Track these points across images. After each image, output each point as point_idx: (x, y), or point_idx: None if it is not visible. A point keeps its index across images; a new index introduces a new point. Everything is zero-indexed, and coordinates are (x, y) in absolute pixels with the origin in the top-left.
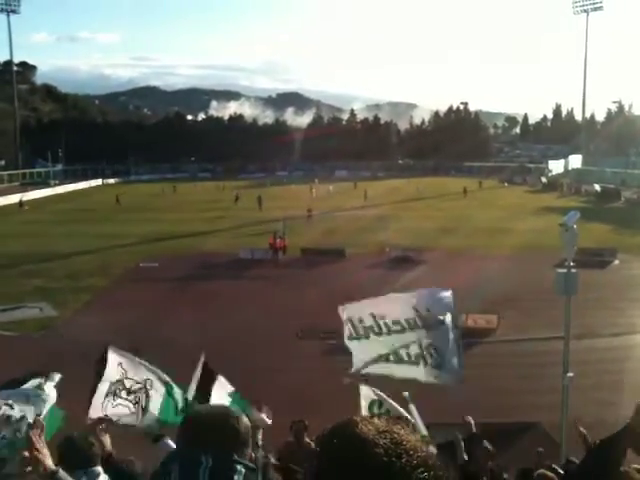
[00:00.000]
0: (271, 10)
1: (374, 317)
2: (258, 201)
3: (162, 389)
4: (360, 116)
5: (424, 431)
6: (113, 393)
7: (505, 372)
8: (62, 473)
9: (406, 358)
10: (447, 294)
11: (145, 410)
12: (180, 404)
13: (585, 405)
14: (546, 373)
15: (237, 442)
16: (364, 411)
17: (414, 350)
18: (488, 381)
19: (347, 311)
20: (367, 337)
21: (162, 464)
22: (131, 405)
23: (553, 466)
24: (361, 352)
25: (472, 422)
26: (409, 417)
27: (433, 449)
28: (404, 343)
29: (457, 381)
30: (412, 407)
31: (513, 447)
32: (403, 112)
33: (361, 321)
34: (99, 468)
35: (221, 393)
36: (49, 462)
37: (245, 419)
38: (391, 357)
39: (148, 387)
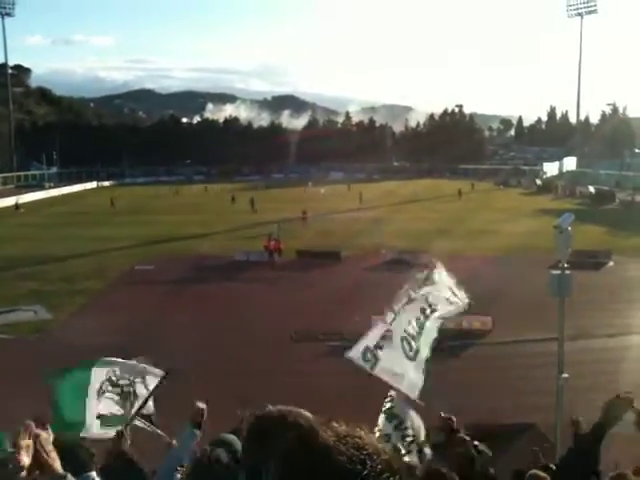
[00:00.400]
0: (266, 13)
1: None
2: (251, 203)
3: (154, 383)
4: (355, 119)
5: (423, 433)
6: (102, 392)
7: (500, 374)
8: (70, 478)
9: (416, 330)
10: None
11: (132, 403)
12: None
13: (580, 406)
14: (541, 374)
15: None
16: (380, 421)
17: (414, 318)
18: (483, 383)
19: (354, 355)
20: (380, 353)
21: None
22: (117, 397)
23: (549, 465)
24: (387, 371)
25: (453, 419)
26: (422, 432)
27: (427, 450)
28: (407, 321)
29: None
30: (411, 410)
31: (509, 449)
32: (399, 115)
33: (368, 348)
34: (94, 473)
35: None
36: (58, 466)
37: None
38: (410, 345)
39: (136, 381)
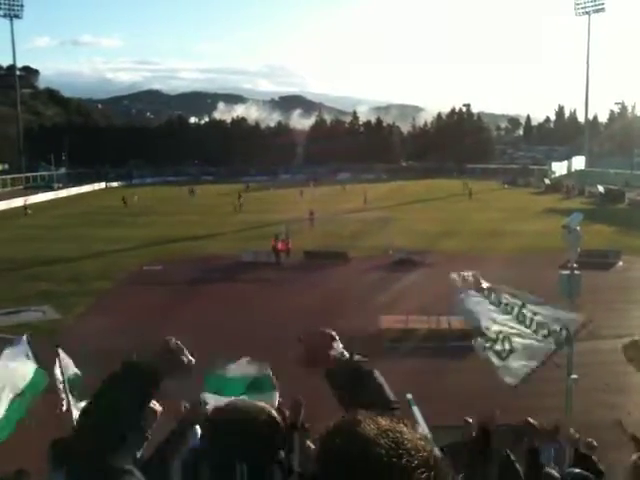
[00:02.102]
0: (273, 14)
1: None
2: (238, 197)
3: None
4: (364, 119)
5: (427, 433)
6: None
7: None
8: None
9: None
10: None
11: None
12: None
13: (589, 407)
14: (549, 375)
15: (272, 445)
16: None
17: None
18: (491, 383)
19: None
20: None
21: (188, 463)
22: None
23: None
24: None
25: (471, 422)
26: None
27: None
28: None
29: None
30: (415, 409)
31: (516, 448)
32: (409, 115)
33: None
34: None
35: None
36: None
37: (279, 417)
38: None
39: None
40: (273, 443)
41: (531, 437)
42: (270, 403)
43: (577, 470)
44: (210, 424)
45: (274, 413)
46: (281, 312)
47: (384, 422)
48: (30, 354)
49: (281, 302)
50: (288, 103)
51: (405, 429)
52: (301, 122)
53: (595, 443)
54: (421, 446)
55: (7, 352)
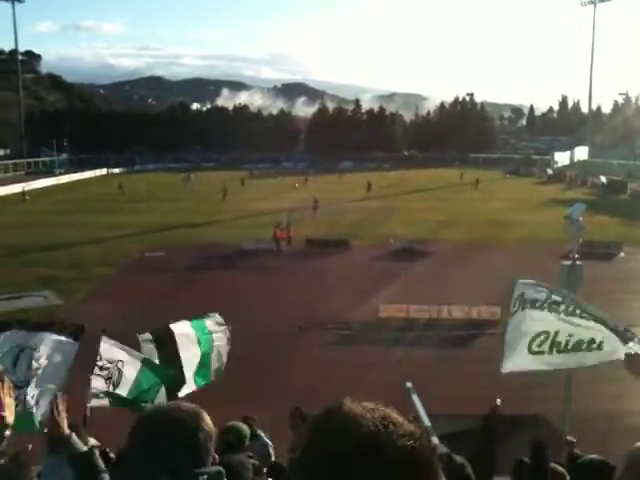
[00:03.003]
0: (275, 0)
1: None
2: (223, 193)
3: (138, 365)
4: (369, 107)
5: (426, 422)
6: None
7: None
8: (75, 438)
9: (566, 347)
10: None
11: (116, 384)
12: (157, 379)
13: (588, 398)
14: None
15: (199, 451)
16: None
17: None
18: (491, 373)
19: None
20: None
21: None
22: (103, 380)
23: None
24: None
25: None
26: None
27: (434, 439)
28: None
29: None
30: (415, 398)
31: (515, 439)
32: (413, 104)
33: (523, 296)
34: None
35: (190, 352)
36: (65, 426)
37: (207, 419)
38: (542, 344)
39: (120, 366)
40: (201, 450)
41: (537, 432)
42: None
43: (593, 456)
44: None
45: (206, 419)
46: (280, 299)
47: (370, 404)
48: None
49: (281, 289)
50: (291, 91)
51: (391, 411)
52: (305, 110)
53: (573, 439)
54: (406, 422)
55: (66, 342)
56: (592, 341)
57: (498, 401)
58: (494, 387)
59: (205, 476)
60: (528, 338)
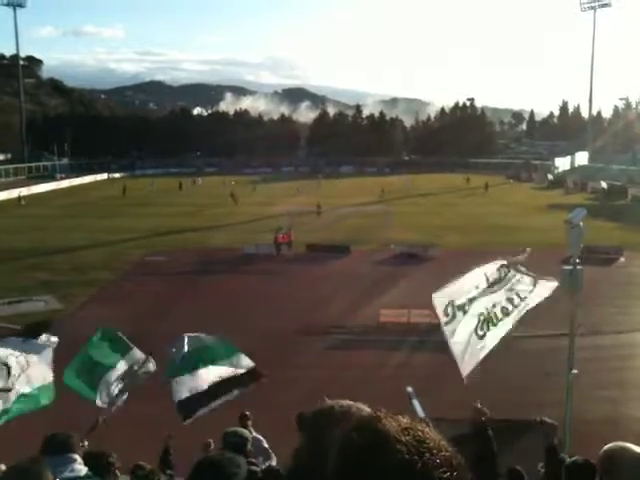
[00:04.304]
0: (275, 6)
1: (467, 292)
2: (232, 197)
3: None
4: (368, 112)
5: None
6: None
7: (509, 369)
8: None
9: (498, 316)
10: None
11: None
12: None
13: (589, 402)
14: (550, 370)
15: None
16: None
17: (501, 304)
18: (491, 377)
19: (438, 299)
20: (460, 315)
21: None
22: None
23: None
24: (456, 335)
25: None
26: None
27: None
28: (492, 303)
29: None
30: (416, 402)
31: (515, 445)
32: (416, 109)
33: (452, 303)
34: (76, 455)
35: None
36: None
37: (245, 467)
38: (484, 326)
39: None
40: None
41: (549, 435)
42: (242, 364)
43: (576, 457)
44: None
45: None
46: (280, 303)
47: (405, 420)
48: (51, 362)
49: (280, 294)
50: (292, 96)
51: (427, 428)
52: (308, 115)
53: (483, 408)
54: (443, 446)
55: (35, 342)
56: (510, 301)
57: (478, 404)
58: (495, 391)
59: None
60: (473, 327)
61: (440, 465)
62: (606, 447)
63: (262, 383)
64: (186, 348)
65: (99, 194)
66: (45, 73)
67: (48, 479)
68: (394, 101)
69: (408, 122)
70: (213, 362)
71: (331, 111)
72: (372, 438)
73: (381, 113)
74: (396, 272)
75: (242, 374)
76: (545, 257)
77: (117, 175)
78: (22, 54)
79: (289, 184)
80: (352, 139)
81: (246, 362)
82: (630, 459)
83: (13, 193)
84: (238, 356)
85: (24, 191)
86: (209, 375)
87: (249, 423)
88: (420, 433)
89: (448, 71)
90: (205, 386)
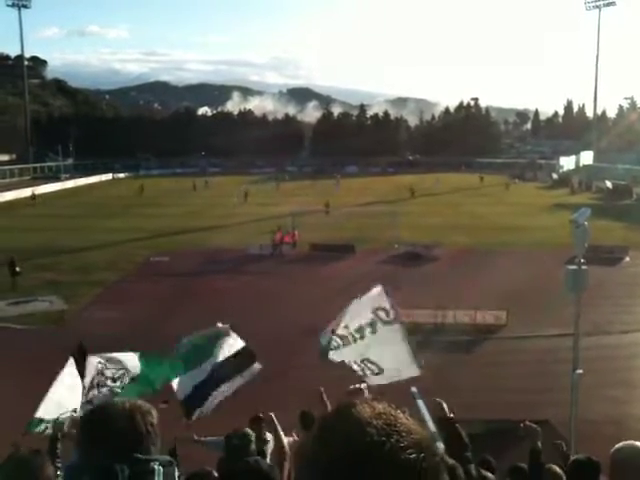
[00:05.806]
0: (280, 6)
1: (346, 327)
2: (244, 195)
3: (137, 367)
4: (373, 112)
5: (432, 427)
6: (97, 385)
7: (514, 369)
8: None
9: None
10: (378, 289)
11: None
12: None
13: (594, 402)
14: (555, 370)
15: (149, 439)
16: None
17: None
18: (496, 378)
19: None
20: (344, 345)
21: (68, 475)
22: (118, 390)
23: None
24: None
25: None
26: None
27: (440, 444)
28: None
29: (414, 372)
30: (420, 403)
31: (520, 445)
32: (421, 110)
33: (334, 332)
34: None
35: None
36: None
37: (152, 410)
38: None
39: (127, 372)
40: (142, 441)
41: (533, 438)
42: (233, 344)
43: (581, 456)
44: (82, 430)
45: (146, 410)
46: (283, 303)
47: (380, 406)
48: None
49: (284, 294)
50: (298, 96)
51: (401, 414)
52: (314, 115)
53: (444, 405)
54: (414, 429)
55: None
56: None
57: (444, 405)
58: (503, 391)
59: (158, 463)
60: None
61: (407, 447)
62: (617, 446)
63: (262, 383)
64: (183, 350)
65: (103, 194)
66: (50, 74)
67: (49, 471)
68: (401, 101)
69: (414, 122)
70: (209, 356)
71: (337, 111)
72: (345, 422)
73: (385, 113)
74: (401, 272)
75: (236, 354)
76: (549, 257)
77: (121, 175)
78: (27, 55)
79: (303, 183)
80: (356, 139)
81: (238, 343)
82: None
83: (19, 194)
84: (226, 339)
85: (35, 190)
86: (207, 365)
87: (263, 425)
88: (392, 418)
89: (454, 71)
90: (204, 375)
